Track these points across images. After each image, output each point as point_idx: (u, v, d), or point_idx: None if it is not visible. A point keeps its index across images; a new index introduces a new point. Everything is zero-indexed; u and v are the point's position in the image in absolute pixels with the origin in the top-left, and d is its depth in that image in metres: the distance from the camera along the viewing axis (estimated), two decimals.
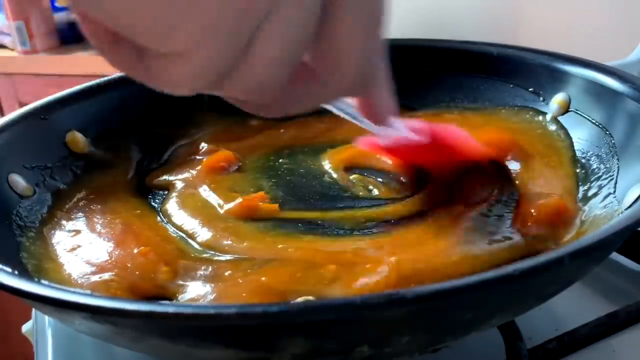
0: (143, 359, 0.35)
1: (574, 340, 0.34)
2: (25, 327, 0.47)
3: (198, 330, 0.22)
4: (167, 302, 0.30)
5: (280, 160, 0.44)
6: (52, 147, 0.42)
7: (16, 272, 0.29)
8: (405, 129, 0.33)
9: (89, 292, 0.30)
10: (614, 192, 0.34)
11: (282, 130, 0.48)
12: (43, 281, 0.31)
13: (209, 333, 0.23)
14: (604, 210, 0.33)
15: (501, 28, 1.28)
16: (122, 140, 0.46)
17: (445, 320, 0.23)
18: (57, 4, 1.02)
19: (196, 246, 0.34)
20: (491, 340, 0.33)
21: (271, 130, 0.48)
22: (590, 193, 0.36)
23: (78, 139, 0.44)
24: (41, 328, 0.40)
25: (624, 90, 0.37)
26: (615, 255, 0.40)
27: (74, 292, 0.23)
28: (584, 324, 0.35)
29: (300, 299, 0.28)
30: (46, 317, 0.41)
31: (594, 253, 0.24)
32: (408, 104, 0.51)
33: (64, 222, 0.38)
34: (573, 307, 0.37)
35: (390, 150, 0.38)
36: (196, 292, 0.30)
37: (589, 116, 0.40)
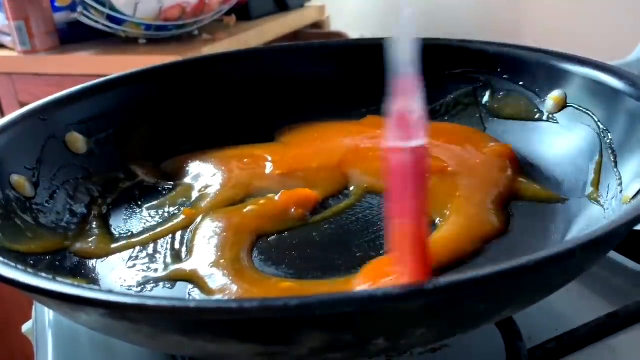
0: (144, 358, 0.35)
1: (574, 340, 0.34)
2: (25, 327, 0.46)
3: (217, 325, 0.23)
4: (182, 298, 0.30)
5: None
6: (53, 147, 0.42)
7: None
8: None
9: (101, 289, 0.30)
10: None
11: None
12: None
13: (228, 327, 0.23)
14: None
15: (502, 29, 1.29)
16: (122, 140, 0.46)
17: (461, 312, 0.23)
18: (57, 4, 1.01)
19: None
20: (491, 340, 0.33)
21: None
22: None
23: (77, 139, 0.44)
24: (41, 328, 0.40)
25: (620, 87, 0.37)
26: (615, 255, 0.41)
27: (91, 289, 0.23)
28: (584, 324, 0.35)
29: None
30: (46, 317, 0.40)
31: (602, 245, 0.25)
32: None
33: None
34: (573, 307, 0.37)
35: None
36: None
37: (587, 109, 0.40)
